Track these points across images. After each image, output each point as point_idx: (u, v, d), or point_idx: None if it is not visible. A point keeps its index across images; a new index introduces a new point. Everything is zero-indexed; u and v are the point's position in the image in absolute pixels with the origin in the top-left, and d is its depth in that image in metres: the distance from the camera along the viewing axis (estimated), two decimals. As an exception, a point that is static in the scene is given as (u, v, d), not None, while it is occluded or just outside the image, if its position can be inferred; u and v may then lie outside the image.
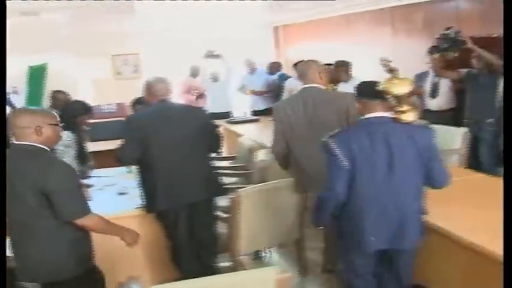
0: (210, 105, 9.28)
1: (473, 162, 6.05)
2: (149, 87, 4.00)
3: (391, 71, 2.98)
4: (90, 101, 10.15)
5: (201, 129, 4.00)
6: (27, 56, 9.34)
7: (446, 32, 5.88)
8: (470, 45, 5.76)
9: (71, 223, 2.88)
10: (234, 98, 9.62)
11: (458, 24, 6.53)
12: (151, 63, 10.52)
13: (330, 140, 2.88)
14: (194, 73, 9.79)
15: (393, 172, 2.85)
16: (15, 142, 2.89)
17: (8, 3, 4.06)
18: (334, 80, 6.53)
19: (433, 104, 6.71)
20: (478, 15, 6.48)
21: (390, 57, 7.69)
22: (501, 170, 6.17)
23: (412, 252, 3.11)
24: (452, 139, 5.72)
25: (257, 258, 4.80)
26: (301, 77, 4.25)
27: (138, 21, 9.47)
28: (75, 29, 9.64)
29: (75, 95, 9.97)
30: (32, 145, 2.83)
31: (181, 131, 3.88)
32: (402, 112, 2.85)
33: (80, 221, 2.89)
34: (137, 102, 5.11)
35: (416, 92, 6.71)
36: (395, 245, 2.98)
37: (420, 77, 6.78)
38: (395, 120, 2.88)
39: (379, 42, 8.35)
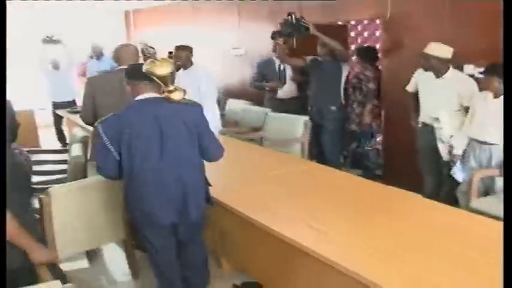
0: (51, 94, 8.62)
1: (317, 151, 6.03)
2: None
3: (149, 55, 3.00)
4: None
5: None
6: None
7: (287, 18, 5.75)
8: (313, 31, 5.63)
9: None
10: (77, 86, 8.91)
11: (300, 12, 6.49)
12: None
13: (100, 124, 2.94)
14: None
15: (167, 149, 2.96)
16: None
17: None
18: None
19: (280, 92, 6.58)
20: (319, 5, 6.40)
21: (237, 43, 7.64)
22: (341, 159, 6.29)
23: (199, 221, 3.23)
24: (294, 127, 5.62)
25: (93, 259, 4.46)
26: (118, 58, 4.48)
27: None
28: None
29: None
30: None
31: None
32: (170, 92, 2.96)
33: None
34: None
35: (274, 87, 6.56)
36: (182, 218, 3.09)
37: (265, 64, 6.63)
38: (165, 99, 2.97)
39: (226, 29, 8.16)
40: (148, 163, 2.95)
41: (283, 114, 5.91)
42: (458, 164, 4.44)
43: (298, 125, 5.60)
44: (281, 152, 5.46)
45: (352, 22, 7.52)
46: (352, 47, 7.61)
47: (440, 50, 4.52)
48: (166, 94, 2.97)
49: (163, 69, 2.93)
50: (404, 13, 5.31)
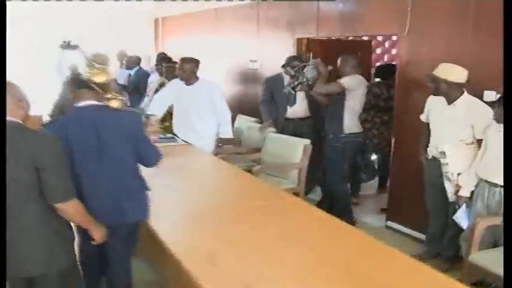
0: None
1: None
2: None
3: (91, 62, 3.17)
4: None
5: None
6: None
7: (288, 69, 5.47)
8: (324, 73, 5.08)
9: (52, 208, 2.58)
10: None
11: (317, 25, 5.97)
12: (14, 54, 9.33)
13: (46, 127, 2.95)
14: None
15: (104, 154, 3.01)
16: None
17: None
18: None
19: (290, 112, 5.98)
20: (337, 19, 5.81)
21: (254, 56, 7.13)
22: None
23: (132, 226, 3.23)
24: (292, 152, 5.06)
25: None
26: None
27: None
28: None
29: None
30: (17, 121, 2.56)
31: None
32: (108, 99, 3.13)
33: (62, 205, 2.57)
34: None
35: (266, 125, 5.96)
36: (116, 220, 3.09)
37: (273, 80, 6.07)
38: (104, 107, 3.07)
39: (246, 40, 7.66)
40: (86, 166, 3.01)
41: (283, 136, 5.35)
42: (463, 207, 3.79)
43: (296, 149, 5.03)
44: (274, 178, 4.95)
45: (379, 38, 6.93)
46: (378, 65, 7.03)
47: (450, 72, 3.89)
48: (105, 101, 3.10)
49: (100, 77, 3.04)
50: (426, 28, 4.65)
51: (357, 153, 5.55)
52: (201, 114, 5.41)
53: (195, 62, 5.48)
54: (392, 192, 5.34)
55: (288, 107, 5.95)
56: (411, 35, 4.80)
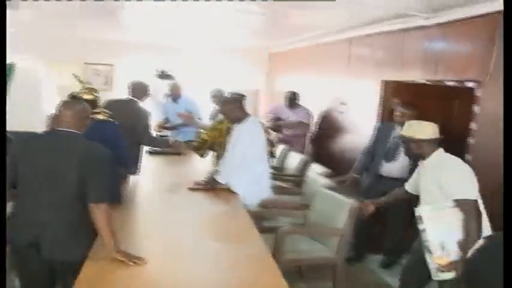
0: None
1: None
2: None
3: (81, 82, 4.25)
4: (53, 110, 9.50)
5: None
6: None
7: None
8: None
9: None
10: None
11: (401, 67, 5.26)
12: (125, 77, 9.38)
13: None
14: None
15: None
16: (65, 129, 3.03)
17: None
18: None
19: (385, 169, 5.16)
20: (419, 62, 4.98)
21: (343, 97, 6.32)
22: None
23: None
24: (336, 214, 4.24)
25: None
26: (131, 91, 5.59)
27: (120, 30, 8.39)
28: (47, 29, 8.70)
29: (39, 102, 9.27)
30: (76, 132, 3.04)
31: None
32: (95, 113, 3.84)
33: (96, 206, 2.86)
34: None
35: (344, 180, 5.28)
36: None
37: (383, 130, 5.28)
38: (92, 119, 3.45)
39: (336, 78, 6.99)
40: None
41: (331, 193, 4.48)
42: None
43: (341, 211, 4.18)
44: (313, 242, 4.27)
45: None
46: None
47: (416, 129, 3.54)
48: (94, 115, 3.78)
49: (87, 95, 4.02)
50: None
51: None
52: (241, 157, 4.62)
53: (231, 101, 4.83)
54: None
55: (384, 162, 5.16)
56: (494, 82, 3.85)
